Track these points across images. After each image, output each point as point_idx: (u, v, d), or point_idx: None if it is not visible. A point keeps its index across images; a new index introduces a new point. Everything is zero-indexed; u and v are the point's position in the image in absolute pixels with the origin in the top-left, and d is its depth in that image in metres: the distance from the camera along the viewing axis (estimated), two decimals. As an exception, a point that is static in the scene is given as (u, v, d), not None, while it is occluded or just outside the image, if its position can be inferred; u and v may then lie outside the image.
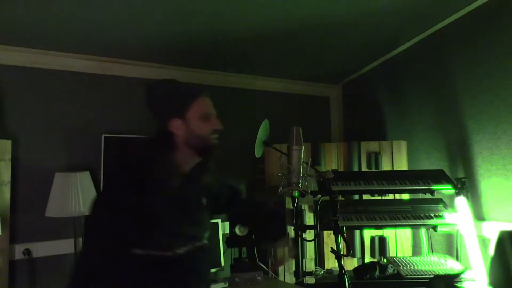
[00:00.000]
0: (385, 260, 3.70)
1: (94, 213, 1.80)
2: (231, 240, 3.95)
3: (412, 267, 3.30)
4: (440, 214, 3.52)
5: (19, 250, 3.67)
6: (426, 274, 3.18)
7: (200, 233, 2.00)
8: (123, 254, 1.73)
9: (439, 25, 4.04)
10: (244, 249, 4.16)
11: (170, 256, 1.81)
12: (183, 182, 1.91)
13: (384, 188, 3.57)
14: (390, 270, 3.24)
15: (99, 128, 4.10)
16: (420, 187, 3.52)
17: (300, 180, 1.83)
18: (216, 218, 4.04)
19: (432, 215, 3.51)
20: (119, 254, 1.73)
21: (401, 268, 3.29)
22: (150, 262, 1.77)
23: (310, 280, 3.48)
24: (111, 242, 1.73)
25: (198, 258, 1.94)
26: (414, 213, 3.55)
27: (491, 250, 3.09)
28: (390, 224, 3.52)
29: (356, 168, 4.33)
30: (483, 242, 3.50)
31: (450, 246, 3.90)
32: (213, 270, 3.89)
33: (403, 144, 4.33)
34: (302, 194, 1.89)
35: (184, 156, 1.91)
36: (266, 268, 3.92)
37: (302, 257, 4.03)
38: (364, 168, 4.31)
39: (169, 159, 1.86)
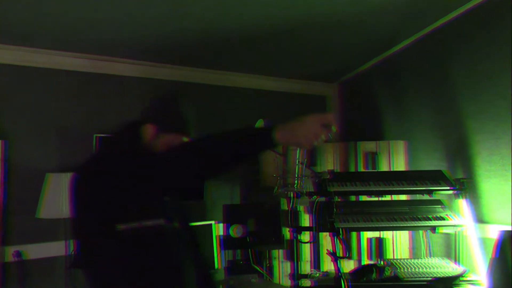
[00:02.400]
0: (382, 263, 3.65)
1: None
2: (225, 242, 3.90)
3: (411, 270, 3.25)
4: (439, 216, 3.47)
5: (10, 253, 3.64)
6: (425, 277, 3.13)
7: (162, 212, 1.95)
8: (107, 232, 1.74)
9: (439, 23, 4.00)
10: (239, 251, 4.11)
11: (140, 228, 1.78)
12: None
13: (381, 189, 3.52)
14: (388, 272, 3.19)
15: (92, 128, 4.06)
16: (419, 188, 3.48)
17: (296, 181, 1.77)
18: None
19: (430, 216, 3.46)
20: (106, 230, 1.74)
21: (399, 270, 3.24)
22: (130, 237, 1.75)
23: (307, 282, 3.43)
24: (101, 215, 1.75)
25: (163, 239, 1.89)
26: (412, 215, 3.50)
27: (491, 252, 3.04)
28: (388, 225, 3.46)
29: (353, 169, 4.29)
30: (483, 243, 3.46)
31: (449, 248, 3.86)
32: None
33: (401, 144, 4.29)
34: (298, 195, 1.82)
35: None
36: (261, 271, 3.88)
37: (298, 259, 3.99)
38: (361, 168, 4.27)
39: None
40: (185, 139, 2.00)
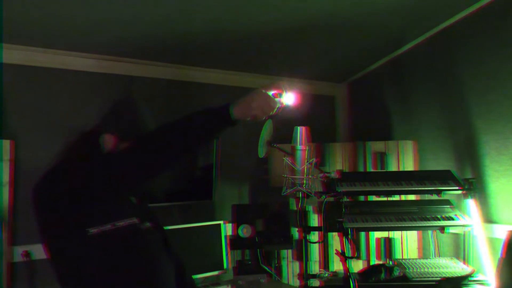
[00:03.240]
0: (391, 263, 3.65)
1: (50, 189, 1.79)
2: (234, 242, 3.90)
3: (419, 270, 3.25)
4: (448, 216, 3.47)
5: (19, 252, 3.65)
6: (433, 277, 3.13)
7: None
8: (79, 237, 1.72)
9: (447, 23, 3.99)
10: (247, 251, 4.11)
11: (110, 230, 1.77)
12: None
13: (390, 189, 3.52)
14: (396, 272, 3.19)
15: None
16: (427, 188, 3.47)
17: (305, 181, 1.77)
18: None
19: (439, 216, 3.46)
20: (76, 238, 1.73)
21: (408, 270, 3.24)
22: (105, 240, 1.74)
23: (315, 282, 3.43)
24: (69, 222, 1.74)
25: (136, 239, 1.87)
26: (421, 215, 3.50)
27: (500, 252, 3.03)
28: (397, 225, 3.46)
29: (362, 169, 4.30)
30: (491, 243, 3.45)
31: (458, 248, 3.85)
32: (215, 272, 3.85)
33: (410, 144, 4.28)
34: (307, 195, 1.83)
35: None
36: (269, 271, 3.88)
37: (307, 259, 3.99)
38: (370, 168, 4.27)
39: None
40: None
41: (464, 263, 3.36)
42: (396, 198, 4.01)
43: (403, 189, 3.56)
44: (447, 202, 3.65)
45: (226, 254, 3.97)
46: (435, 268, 3.29)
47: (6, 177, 3.54)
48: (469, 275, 3.10)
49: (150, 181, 1.84)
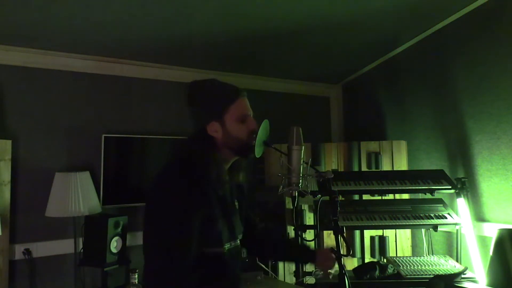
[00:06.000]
0: (385, 260, 3.70)
1: (158, 209, 1.77)
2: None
3: (412, 267, 3.29)
4: (440, 214, 3.51)
5: (19, 250, 3.68)
6: (426, 274, 3.17)
7: (236, 233, 2.01)
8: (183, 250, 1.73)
9: (439, 25, 4.04)
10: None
11: (219, 253, 1.84)
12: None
13: (384, 188, 3.57)
14: (390, 270, 3.23)
15: (99, 128, 4.09)
16: (420, 187, 3.52)
17: (300, 180, 1.81)
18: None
19: (432, 215, 3.51)
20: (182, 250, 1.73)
21: (401, 268, 3.28)
22: (200, 260, 1.78)
23: (310, 280, 3.47)
24: (178, 237, 1.73)
25: (234, 259, 1.94)
26: (414, 213, 3.55)
27: (491, 250, 3.08)
28: (390, 224, 3.51)
29: (356, 168, 4.33)
30: (483, 242, 3.50)
31: (450, 246, 3.90)
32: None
33: (403, 144, 4.33)
34: (302, 194, 1.87)
35: (224, 156, 1.92)
36: (266, 268, 3.91)
37: (302, 257, 4.01)
38: (364, 168, 4.31)
39: (215, 158, 1.87)
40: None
41: (456, 261, 3.40)
42: (390, 197, 4.06)
43: (397, 188, 3.61)
44: (440, 201, 3.69)
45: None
46: (428, 265, 3.32)
47: (6, 176, 3.57)
48: (461, 273, 3.14)
49: None
